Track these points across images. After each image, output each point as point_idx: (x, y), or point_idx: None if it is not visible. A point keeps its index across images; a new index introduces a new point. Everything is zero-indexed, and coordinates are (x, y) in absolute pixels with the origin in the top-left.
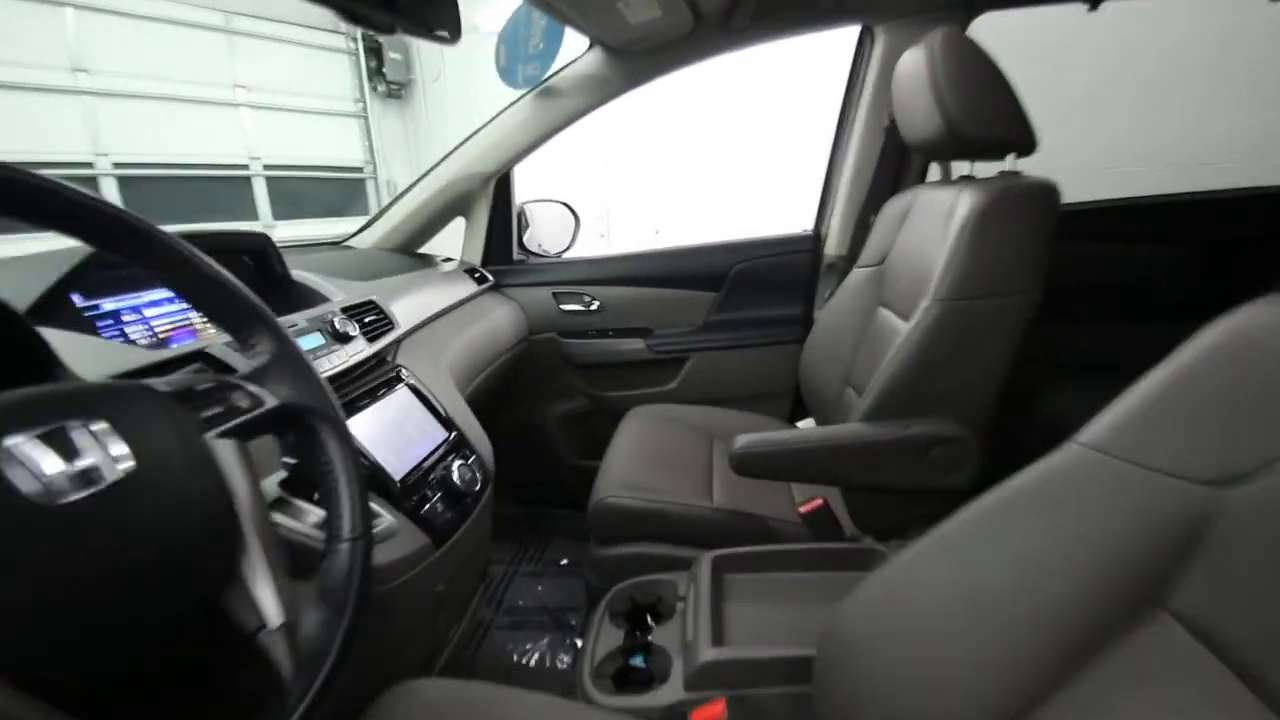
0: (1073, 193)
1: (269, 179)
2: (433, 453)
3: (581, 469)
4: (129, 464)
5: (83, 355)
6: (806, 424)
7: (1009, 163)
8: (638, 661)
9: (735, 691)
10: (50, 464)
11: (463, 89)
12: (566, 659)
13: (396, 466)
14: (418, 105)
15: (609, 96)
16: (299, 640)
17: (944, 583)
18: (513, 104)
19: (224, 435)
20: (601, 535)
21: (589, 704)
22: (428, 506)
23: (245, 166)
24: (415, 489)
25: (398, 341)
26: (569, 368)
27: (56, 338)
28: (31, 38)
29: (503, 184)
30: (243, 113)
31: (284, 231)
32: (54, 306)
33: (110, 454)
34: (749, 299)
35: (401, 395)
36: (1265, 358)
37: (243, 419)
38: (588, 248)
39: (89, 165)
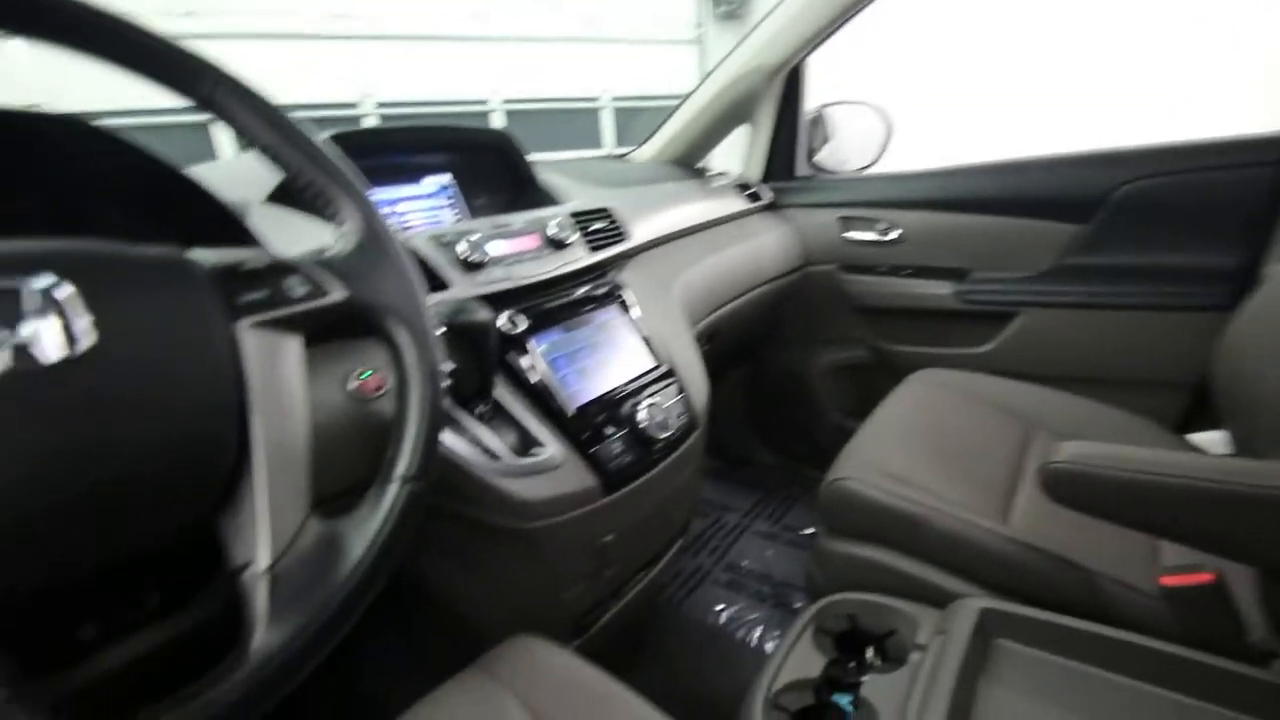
0: None
1: (615, 110)
2: (627, 384)
3: (847, 431)
4: (86, 342)
5: (288, 232)
6: (1208, 440)
7: None
8: (842, 700)
9: None
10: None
11: None
12: (775, 639)
13: (577, 392)
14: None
15: None
16: (282, 594)
17: None
18: None
19: (260, 326)
20: (835, 523)
21: None
22: (603, 445)
23: (594, 99)
24: (593, 422)
25: (626, 255)
26: (849, 309)
27: (282, 220)
28: None
29: (792, 84)
30: (588, 48)
31: None
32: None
33: (67, 327)
34: (1138, 237)
35: (610, 315)
36: None
37: (290, 309)
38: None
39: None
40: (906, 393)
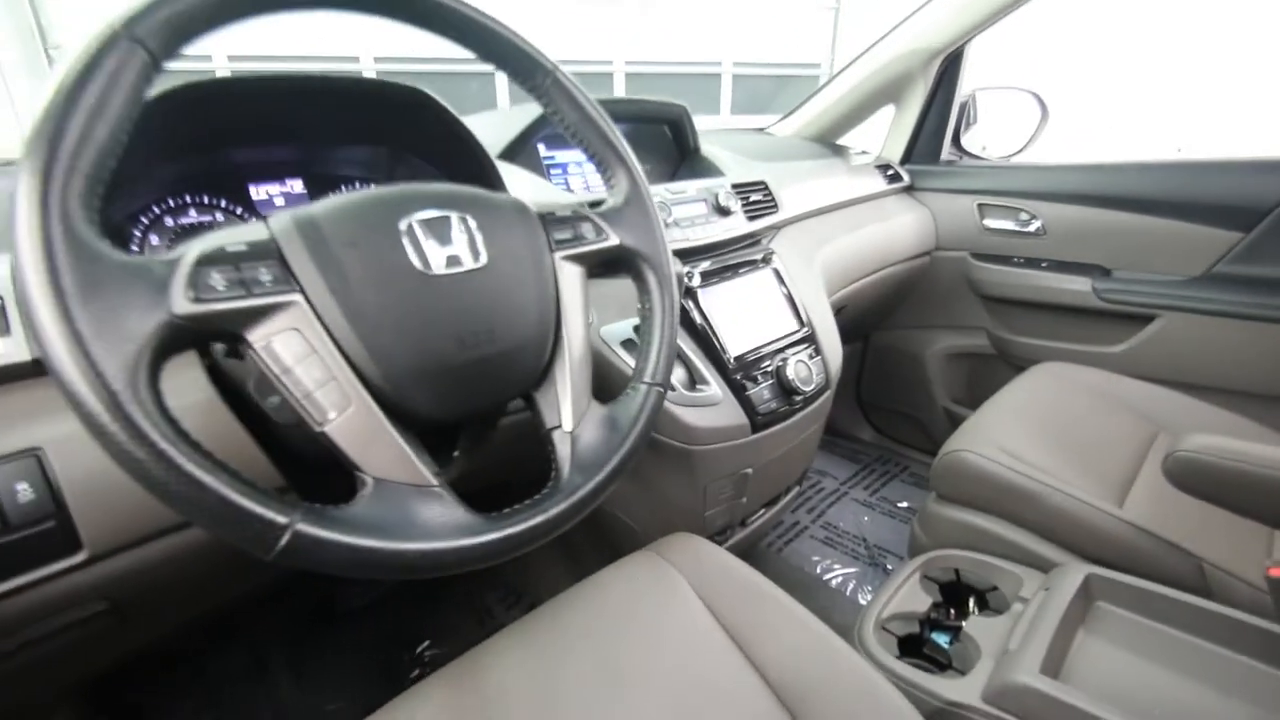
0: None
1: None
2: (776, 340)
3: (956, 417)
4: (484, 258)
5: (523, 188)
6: None
7: None
8: (940, 638)
9: None
10: (430, 246)
11: None
12: (866, 599)
13: (736, 342)
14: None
15: None
16: (578, 450)
17: None
18: None
19: (568, 259)
20: (944, 490)
21: (857, 650)
22: (754, 390)
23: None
24: (748, 370)
25: (777, 227)
26: (975, 296)
27: (511, 173)
28: None
29: (951, 68)
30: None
31: None
32: (519, 150)
33: (473, 246)
34: None
35: (764, 277)
36: None
37: (585, 248)
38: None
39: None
40: (1029, 382)
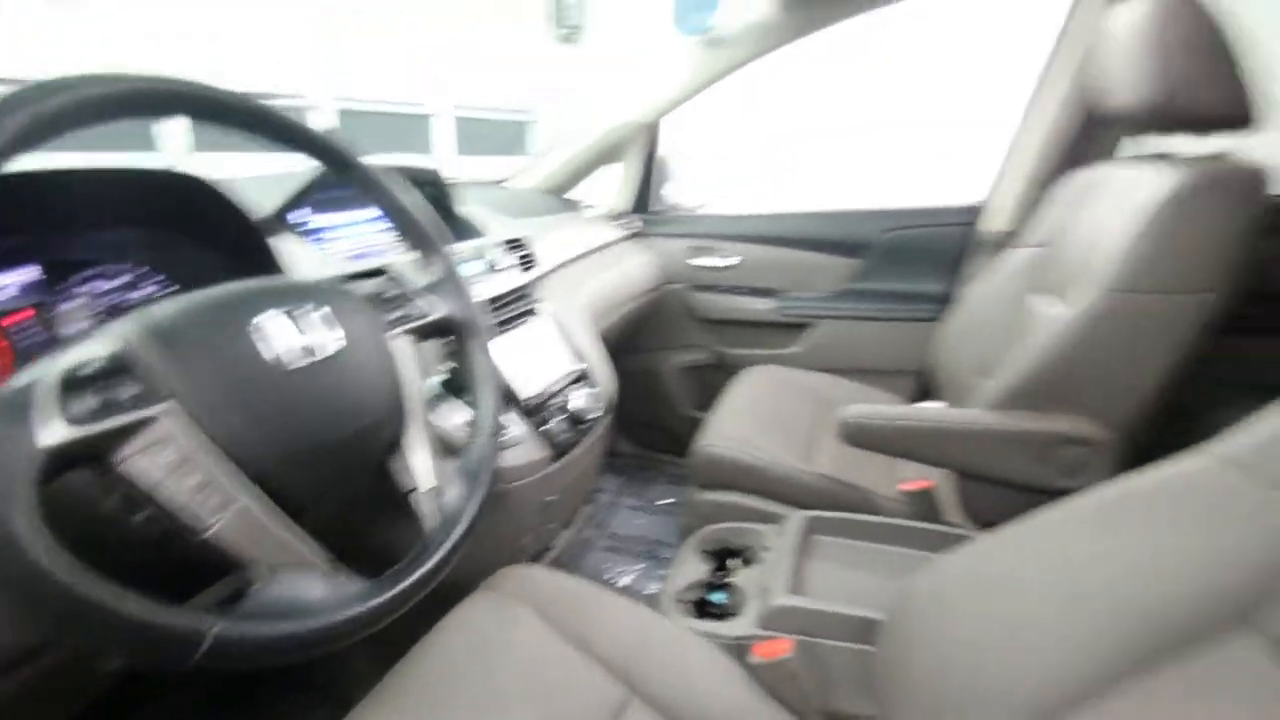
0: None
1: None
2: (560, 379)
3: (694, 420)
4: (341, 343)
5: (298, 260)
6: (933, 406)
7: (1219, 142)
8: (717, 596)
9: (802, 637)
10: (287, 337)
11: (631, 33)
12: (654, 588)
13: (527, 385)
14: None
15: (776, 45)
16: (443, 504)
17: (1036, 566)
18: (675, 51)
19: (403, 334)
20: (702, 480)
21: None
22: (551, 424)
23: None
24: (541, 408)
25: (542, 276)
26: (695, 320)
27: (282, 245)
28: None
29: (652, 133)
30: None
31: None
32: (279, 220)
33: (327, 336)
34: (891, 270)
35: (540, 325)
36: None
37: (417, 323)
38: (737, 203)
39: None
40: (742, 383)
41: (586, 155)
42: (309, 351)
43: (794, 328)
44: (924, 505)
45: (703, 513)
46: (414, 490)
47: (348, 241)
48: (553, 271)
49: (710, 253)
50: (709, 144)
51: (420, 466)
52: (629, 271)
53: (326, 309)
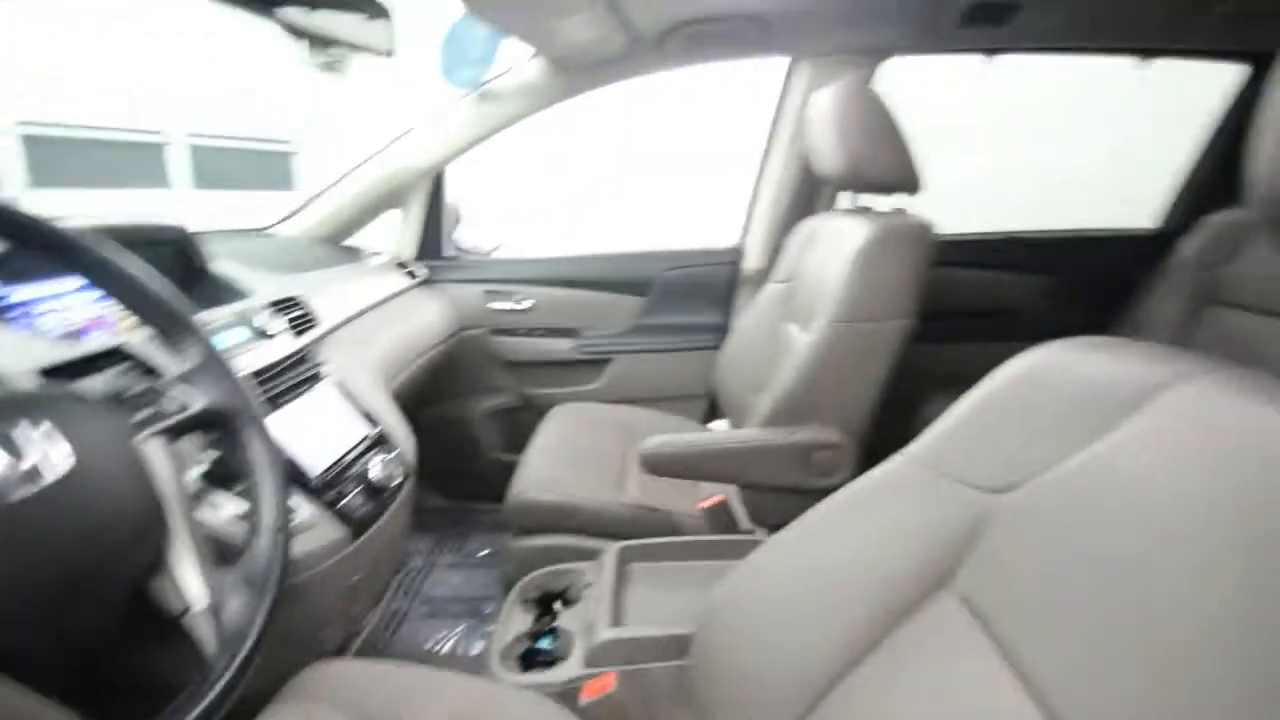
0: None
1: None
2: (353, 448)
3: (506, 464)
4: (69, 464)
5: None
6: (719, 425)
7: (897, 201)
8: (544, 644)
9: (626, 666)
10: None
11: (400, 70)
12: (480, 646)
13: (316, 462)
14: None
15: (547, 103)
16: (223, 622)
17: (797, 566)
18: (452, 101)
19: (152, 436)
20: (518, 528)
21: (494, 683)
22: (346, 500)
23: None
24: (334, 483)
25: (322, 337)
26: (498, 364)
27: None
28: None
29: (437, 179)
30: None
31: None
32: None
33: (51, 455)
34: (674, 305)
35: (324, 391)
36: (1038, 391)
37: (171, 421)
38: (528, 246)
39: None
40: (549, 425)
41: (365, 200)
42: (32, 476)
43: (594, 364)
44: (721, 519)
45: (522, 559)
46: (187, 611)
47: (63, 314)
48: (335, 329)
49: (506, 296)
50: (500, 187)
51: (191, 583)
52: (422, 321)
53: (46, 424)
